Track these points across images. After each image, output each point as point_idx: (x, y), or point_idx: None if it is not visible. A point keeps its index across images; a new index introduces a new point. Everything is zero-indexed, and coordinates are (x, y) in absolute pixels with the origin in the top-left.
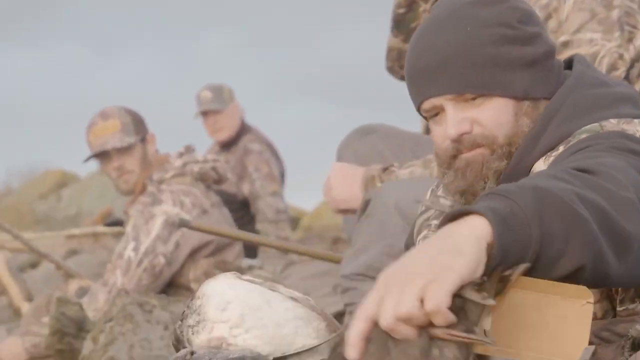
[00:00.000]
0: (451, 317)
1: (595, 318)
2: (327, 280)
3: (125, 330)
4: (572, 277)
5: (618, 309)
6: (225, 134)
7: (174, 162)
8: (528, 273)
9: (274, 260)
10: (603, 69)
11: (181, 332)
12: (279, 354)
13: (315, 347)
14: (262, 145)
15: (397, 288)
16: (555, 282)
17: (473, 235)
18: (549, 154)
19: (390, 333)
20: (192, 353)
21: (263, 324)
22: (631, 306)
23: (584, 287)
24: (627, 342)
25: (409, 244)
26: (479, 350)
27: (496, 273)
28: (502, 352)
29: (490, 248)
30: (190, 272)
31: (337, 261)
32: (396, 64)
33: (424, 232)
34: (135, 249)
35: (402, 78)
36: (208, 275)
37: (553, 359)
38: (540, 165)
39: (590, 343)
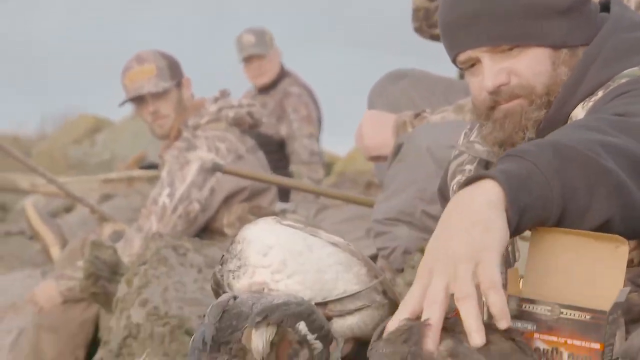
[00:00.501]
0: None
1: (631, 265)
2: (359, 225)
3: (159, 273)
4: (601, 231)
5: None
6: (267, 79)
7: (209, 107)
8: None
9: (307, 205)
10: (632, 6)
11: (221, 276)
12: (319, 300)
13: (357, 293)
14: (301, 88)
15: (447, 274)
16: (589, 232)
17: (488, 201)
18: (587, 99)
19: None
20: (234, 298)
21: (304, 269)
22: None
23: (617, 236)
24: None
25: (442, 188)
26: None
27: None
28: (537, 296)
29: (507, 212)
30: (225, 218)
31: (370, 205)
32: (424, 23)
33: (458, 177)
34: (170, 195)
35: (430, 37)
36: (242, 220)
37: (588, 304)
38: (579, 112)
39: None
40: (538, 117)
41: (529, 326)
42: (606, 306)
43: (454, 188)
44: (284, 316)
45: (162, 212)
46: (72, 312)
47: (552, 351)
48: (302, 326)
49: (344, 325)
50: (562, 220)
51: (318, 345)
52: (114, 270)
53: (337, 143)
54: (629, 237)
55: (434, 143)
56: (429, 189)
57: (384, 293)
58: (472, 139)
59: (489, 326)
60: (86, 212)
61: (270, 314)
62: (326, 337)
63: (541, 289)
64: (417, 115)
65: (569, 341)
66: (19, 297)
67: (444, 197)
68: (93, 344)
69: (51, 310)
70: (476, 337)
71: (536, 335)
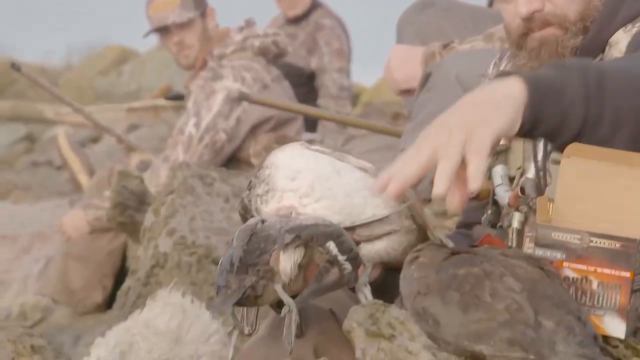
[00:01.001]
0: (480, 182)
1: None
2: (386, 155)
3: (186, 202)
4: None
5: None
6: (299, 10)
7: (235, 36)
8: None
9: (334, 135)
10: None
11: (249, 201)
12: (347, 224)
13: (385, 217)
14: (333, 21)
15: (440, 139)
16: (622, 151)
17: (509, 93)
18: (630, 24)
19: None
20: (263, 221)
21: (333, 193)
22: None
23: None
24: None
25: None
26: (541, 220)
27: None
28: (567, 224)
29: (524, 110)
30: (251, 147)
31: (397, 135)
32: None
33: None
34: (197, 125)
35: None
36: (268, 150)
37: (618, 232)
38: (621, 36)
39: None
40: (575, 44)
41: (558, 255)
42: (637, 234)
43: None
44: (313, 235)
45: (189, 142)
46: (99, 241)
47: (581, 280)
48: (332, 246)
49: (372, 250)
50: (588, 139)
51: (348, 266)
52: (141, 200)
53: (364, 74)
54: None
55: (463, 71)
56: None
57: (413, 218)
58: (502, 68)
59: (518, 253)
60: (113, 142)
61: (299, 233)
62: (355, 260)
63: (571, 217)
64: (445, 46)
65: (599, 269)
66: (47, 227)
67: None
68: (121, 273)
69: (79, 239)
70: (437, 187)
71: (565, 264)
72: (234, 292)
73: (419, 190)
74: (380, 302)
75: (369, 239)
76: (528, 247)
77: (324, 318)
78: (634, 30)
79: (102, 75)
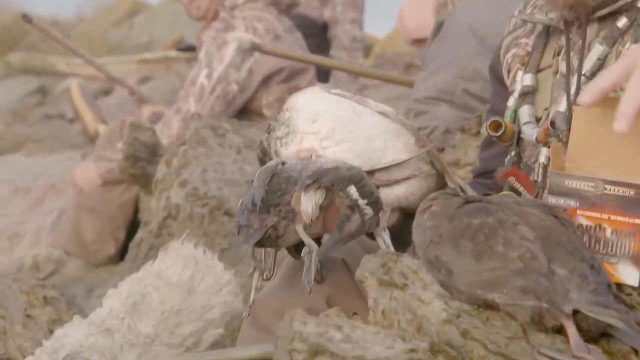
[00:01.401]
0: None
1: None
2: (399, 105)
3: (198, 153)
4: None
5: None
6: None
7: None
8: None
9: (347, 85)
10: None
11: (268, 144)
12: (367, 168)
13: (405, 161)
14: None
15: None
16: None
17: None
18: None
19: None
20: (283, 163)
21: (353, 137)
22: None
23: None
24: None
25: (494, 65)
26: (555, 167)
27: None
28: (580, 171)
29: None
30: (263, 98)
31: (409, 85)
32: None
33: (513, 51)
34: (208, 76)
35: None
36: (281, 101)
37: (632, 179)
38: None
39: None
40: None
41: (572, 203)
42: None
43: (509, 60)
44: (334, 179)
45: (200, 93)
46: (111, 193)
47: (595, 227)
48: (352, 190)
49: (391, 194)
50: None
51: (369, 210)
52: (153, 152)
53: (376, 25)
54: None
55: (476, 20)
56: (470, 67)
57: (432, 163)
58: (527, 12)
59: (532, 202)
60: (125, 94)
61: (321, 177)
62: (376, 204)
63: (585, 164)
64: None
65: (612, 217)
66: (59, 179)
67: (495, 74)
68: (133, 225)
69: (91, 191)
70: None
71: (579, 212)
72: (256, 231)
73: (431, 140)
74: (393, 251)
75: (388, 184)
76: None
77: (337, 268)
78: None
79: (114, 27)
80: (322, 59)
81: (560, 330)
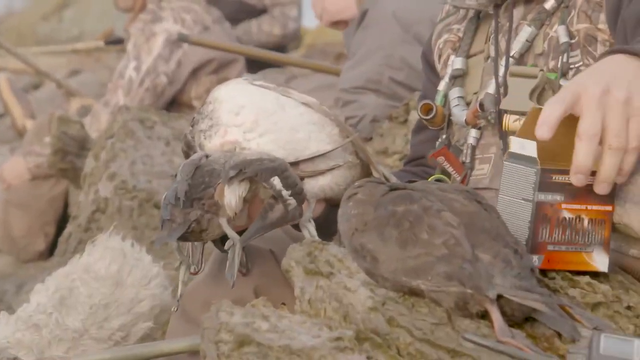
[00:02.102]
0: None
1: None
2: (328, 94)
3: (127, 146)
4: None
5: None
6: None
7: None
8: None
9: (275, 75)
10: None
11: (192, 137)
12: (292, 159)
13: (329, 152)
14: None
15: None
16: None
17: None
18: None
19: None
20: (207, 156)
21: (277, 128)
22: None
23: None
24: None
25: (426, 52)
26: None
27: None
28: (557, 165)
29: None
30: (193, 90)
31: (338, 74)
32: None
33: (445, 36)
34: (137, 68)
35: None
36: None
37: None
38: None
39: None
40: None
41: (558, 197)
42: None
43: (440, 46)
44: (258, 170)
45: (129, 86)
46: (40, 188)
47: (575, 219)
48: (276, 181)
49: (316, 185)
50: None
51: (292, 201)
52: (82, 146)
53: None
54: None
55: (399, 7)
56: (395, 55)
57: (356, 153)
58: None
59: (456, 187)
60: (54, 88)
61: (244, 169)
62: (299, 195)
63: (558, 156)
64: None
65: (589, 207)
66: None
67: (427, 61)
68: (63, 220)
69: (20, 186)
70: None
71: (564, 205)
72: (179, 226)
73: (359, 129)
74: (319, 240)
75: (313, 175)
76: (479, 169)
77: (265, 259)
78: None
79: (44, 20)
80: (251, 50)
81: (485, 316)
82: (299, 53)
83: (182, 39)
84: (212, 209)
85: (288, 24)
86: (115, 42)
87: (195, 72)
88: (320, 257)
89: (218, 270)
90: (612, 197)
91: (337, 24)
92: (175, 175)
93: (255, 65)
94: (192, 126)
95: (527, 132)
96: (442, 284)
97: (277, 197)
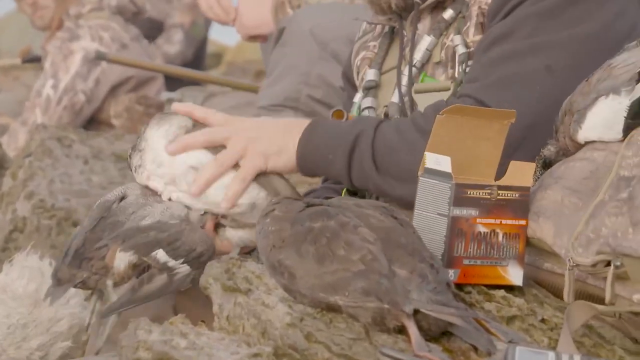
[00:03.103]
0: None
1: None
2: (248, 111)
3: (45, 165)
4: None
5: None
6: None
7: None
8: None
9: (194, 93)
10: None
11: (129, 161)
12: (214, 212)
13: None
14: None
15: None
16: (487, 109)
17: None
18: None
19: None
20: (122, 199)
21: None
22: None
23: (513, 111)
24: (539, 161)
25: (346, 68)
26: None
27: None
28: (472, 180)
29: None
30: (111, 108)
31: (256, 91)
32: None
33: (362, 54)
34: (54, 87)
35: None
36: (129, 110)
37: (479, 178)
38: None
39: None
40: None
41: (473, 212)
42: (492, 181)
43: (358, 64)
44: (137, 245)
45: (47, 104)
46: None
47: (490, 233)
48: (160, 254)
49: (236, 235)
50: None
51: (183, 269)
52: (0, 165)
53: (226, 33)
54: None
55: (316, 25)
56: (313, 73)
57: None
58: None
59: (372, 203)
60: None
61: (126, 240)
62: (197, 260)
63: (467, 172)
64: None
65: (503, 221)
66: None
67: (347, 79)
68: None
69: None
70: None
71: (478, 220)
72: (65, 283)
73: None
74: (237, 256)
75: (233, 227)
76: None
77: None
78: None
79: None
80: (170, 67)
81: (402, 330)
82: (219, 70)
83: (99, 57)
84: (101, 271)
85: (172, 47)
86: (33, 60)
87: (113, 90)
88: (238, 273)
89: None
90: (525, 211)
91: (255, 37)
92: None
93: (174, 83)
94: (132, 150)
95: (436, 144)
96: (360, 300)
97: (162, 268)
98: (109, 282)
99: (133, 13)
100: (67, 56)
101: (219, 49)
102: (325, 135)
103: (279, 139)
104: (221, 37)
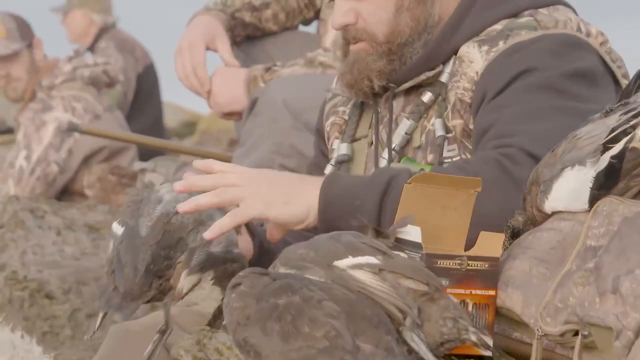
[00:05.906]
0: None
1: None
2: None
3: (17, 236)
4: None
5: None
6: None
7: (63, 67)
8: None
9: (167, 163)
10: None
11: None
12: None
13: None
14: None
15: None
16: (454, 177)
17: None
18: (484, 45)
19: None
20: (160, 200)
21: None
22: None
23: (479, 179)
24: (507, 231)
25: (319, 128)
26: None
27: None
28: (442, 250)
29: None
30: (85, 179)
31: (229, 160)
32: None
33: (332, 118)
34: (27, 158)
35: None
36: (102, 181)
37: (447, 248)
38: (475, 55)
39: None
40: (382, 68)
41: (443, 282)
42: (461, 250)
43: (328, 129)
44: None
45: (20, 175)
46: None
47: (460, 303)
48: None
49: None
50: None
51: None
52: None
53: (200, 102)
54: None
55: (289, 95)
56: (285, 142)
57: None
58: (334, 87)
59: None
60: None
61: (196, 264)
62: None
63: (436, 243)
64: (267, 69)
65: (473, 292)
66: None
67: (319, 133)
68: None
69: None
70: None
71: (449, 290)
72: (137, 299)
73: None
74: (208, 328)
75: None
76: None
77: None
78: (491, 55)
79: None
80: (142, 138)
81: None
82: (193, 140)
83: (72, 128)
84: (165, 291)
85: None
86: (6, 131)
87: (86, 160)
88: (209, 345)
89: (117, 346)
90: (495, 281)
91: (229, 115)
92: (129, 208)
93: (147, 153)
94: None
95: (404, 213)
96: None
97: None
98: (168, 301)
99: (106, 84)
100: (39, 127)
101: (193, 118)
102: (349, 183)
103: (292, 189)
104: (195, 106)
